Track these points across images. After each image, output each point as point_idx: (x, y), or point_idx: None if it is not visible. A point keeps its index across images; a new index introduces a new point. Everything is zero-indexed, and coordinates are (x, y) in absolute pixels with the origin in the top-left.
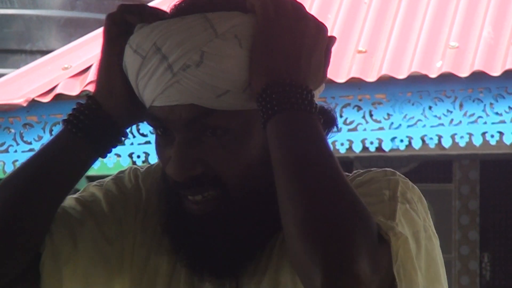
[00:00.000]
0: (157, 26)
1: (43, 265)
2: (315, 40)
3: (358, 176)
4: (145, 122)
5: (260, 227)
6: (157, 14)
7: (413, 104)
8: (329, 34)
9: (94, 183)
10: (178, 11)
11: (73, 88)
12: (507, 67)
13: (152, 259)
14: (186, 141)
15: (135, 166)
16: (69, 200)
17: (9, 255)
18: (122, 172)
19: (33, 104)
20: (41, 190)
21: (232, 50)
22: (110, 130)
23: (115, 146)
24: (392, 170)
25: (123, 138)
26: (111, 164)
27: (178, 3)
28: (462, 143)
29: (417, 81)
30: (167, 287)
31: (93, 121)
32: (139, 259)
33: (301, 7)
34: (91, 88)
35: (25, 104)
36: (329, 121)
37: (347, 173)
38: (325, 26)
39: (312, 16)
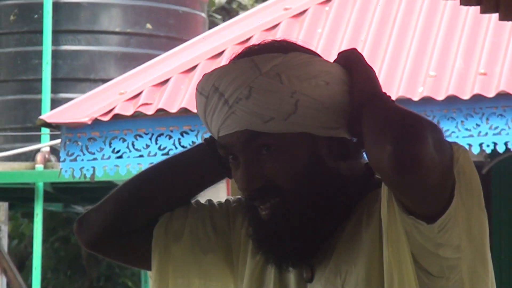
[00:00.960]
0: (215, 70)
1: (157, 227)
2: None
3: None
4: None
5: (321, 223)
6: None
7: None
8: None
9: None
10: (232, 58)
11: (128, 109)
12: (475, 92)
13: (248, 258)
14: (248, 161)
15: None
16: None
17: (140, 216)
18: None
19: (96, 122)
20: (172, 182)
21: (274, 86)
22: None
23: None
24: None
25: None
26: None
27: (234, 53)
28: None
29: (403, 103)
30: (262, 281)
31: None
32: (243, 259)
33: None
34: (142, 109)
35: (89, 122)
36: None
37: None
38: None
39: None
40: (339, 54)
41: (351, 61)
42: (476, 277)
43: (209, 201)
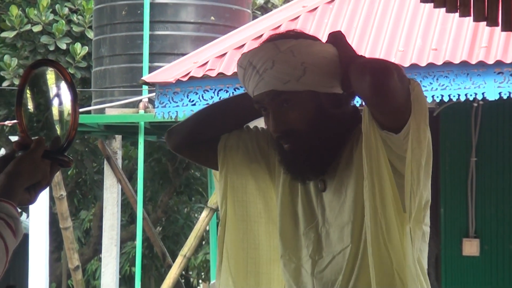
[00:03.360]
0: (249, 51)
1: (220, 141)
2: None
3: None
4: None
5: (326, 150)
6: None
7: None
8: None
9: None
10: (261, 43)
11: (199, 73)
12: (429, 61)
13: (282, 173)
14: (274, 111)
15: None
16: None
17: (209, 131)
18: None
19: (178, 81)
20: (229, 113)
21: (289, 59)
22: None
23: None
24: None
25: None
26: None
27: (262, 39)
28: None
29: None
30: (293, 190)
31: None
32: (278, 172)
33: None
34: (208, 73)
35: (174, 82)
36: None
37: None
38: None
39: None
40: (329, 34)
41: (338, 39)
42: (421, 169)
43: (255, 127)
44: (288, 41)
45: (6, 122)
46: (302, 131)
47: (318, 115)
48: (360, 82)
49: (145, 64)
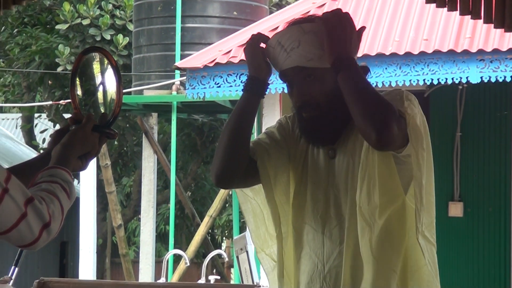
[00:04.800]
0: (278, 32)
1: (259, 161)
2: (354, 32)
3: (385, 94)
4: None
5: (338, 121)
6: (267, 37)
7: None
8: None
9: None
10: (287, 25)
11: (223, 60)
12: (421, 50)
13: (299, 146)
14: (298, 83)
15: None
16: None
17: (237, 161)
18: (279, 119)
19: (206, 67)
20: (245, 130)
21: (313, 40)
22: (265, 86)
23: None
24: (399, 89)
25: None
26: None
27: (288, 22)
28: None
29: (380, 56)
30: (306, 155)
31: (257, 85)
32: (297, 150)
33: (346, 15)
34: (232, 59)
35: (202, 67)
36: (366, 71)
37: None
38: (355, 25)
39: (350, 17)
40: (323, 13)
41: (332, 19)
42: (423, 188)
43: (268, 131)
44: (311, 24)
45: (61, 102)
46: (320, 102)
47: (334, 89)
48: (363, 133)
49: (177, 52)
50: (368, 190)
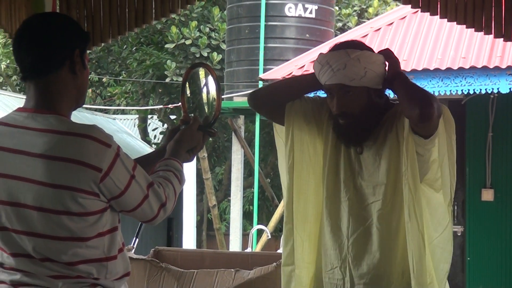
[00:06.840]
0: (328, 53)
1: (287, 105)
2: (398, 60)
3: None
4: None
5: (368, 127)
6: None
7: None
8: None
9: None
10: (334, 49)
11: (298, 73)
12: (459, 65)
13: (330, 139)
14: (338, 97)
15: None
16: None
17: (280, 98)
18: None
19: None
20: (295, 85)
21: (356, 64)
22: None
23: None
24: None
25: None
26: None
27: (336, 44)
28: None
29: (425, 72)
30: (336, 149)
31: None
32: (327, 137)
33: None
34: (305, 73)
35: (281, 78)
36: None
37: None
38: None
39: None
40: (383, 50)
41: (388, 54)
42: (446, 165)
43: (315, 96)
44: (356, 51)
45: (169, 106)
46: (355, 114)
47: (368, 103)
48: (409, 111)
49: (261, 66)
50: (412, 165)
